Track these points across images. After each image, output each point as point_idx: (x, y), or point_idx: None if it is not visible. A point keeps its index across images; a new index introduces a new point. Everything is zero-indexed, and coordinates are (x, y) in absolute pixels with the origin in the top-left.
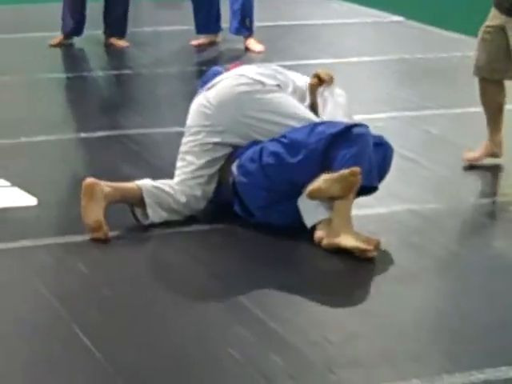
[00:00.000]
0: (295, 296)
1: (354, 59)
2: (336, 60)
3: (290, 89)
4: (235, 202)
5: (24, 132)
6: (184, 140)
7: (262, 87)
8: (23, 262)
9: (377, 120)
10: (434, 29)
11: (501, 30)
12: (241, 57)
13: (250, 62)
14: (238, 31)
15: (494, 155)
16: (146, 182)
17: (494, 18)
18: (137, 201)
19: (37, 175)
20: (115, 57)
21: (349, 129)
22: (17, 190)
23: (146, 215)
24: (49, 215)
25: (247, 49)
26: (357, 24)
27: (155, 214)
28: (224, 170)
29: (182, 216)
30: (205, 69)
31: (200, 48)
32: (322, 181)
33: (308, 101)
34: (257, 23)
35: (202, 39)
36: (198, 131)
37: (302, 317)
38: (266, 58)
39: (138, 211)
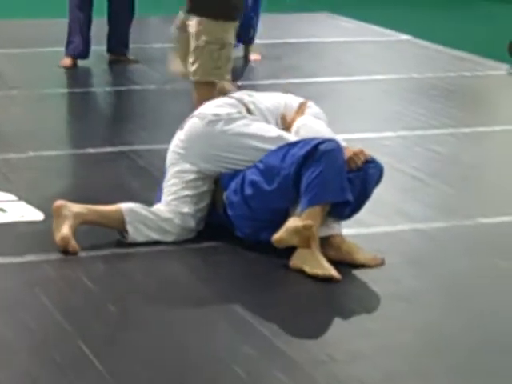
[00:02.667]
0: (300, 314)
1: (363, 77)
2: (344, 78)
3: (260, 110)
4: (232, 226)
5: (32, 146)
6: (166, 177)
7: (218, 119)
8: (28, 276)
9: (385, 139)
10: (441, 48)
11: None
12: (240, 72)
13: (255, 78)
14: (239, 40)
15: None
16: (129, 204)
17: None
18: (119, 222)
19: (44, 190)
20: (121, 73)
21: (316, 147)
22: (23, 205)
23: (127, 234)
24: None
25: (245, 56)
26: (365, 42)
27: (137, 232)
28: (217, 197)
29: (175, 236)
30: None
31: None
32: (284, 230)
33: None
34: (265, 40)
35: None
36: (175, 170)
37: (307, 335)
38: (273, 75)
39: (122, 232)
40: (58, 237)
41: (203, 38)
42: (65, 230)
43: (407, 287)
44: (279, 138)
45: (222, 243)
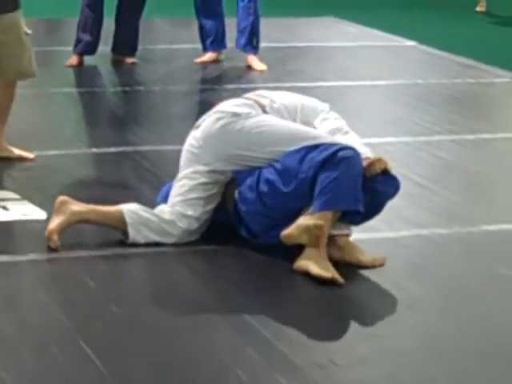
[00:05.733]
0: (303, 318)
1: (367, 83)
2: (349, 83)
3: (276, 110)
4: (240, 225)
5: (36, 146)
6: (177, 177)
7: (237, 118)
8: (31, 275)
9: (388, 144)
10: (447, 54)
11: None
12: (244, 75)
13: (259, 81)
14: (244, 48)
15: None
16: (130, 205)
17: None
18: (119, 223)
19: (47, 189)
20: (127, 73)
21: (335, 153)
22: (27, 204)
23: (127, 235)
24: None
25: (249, 66)
26: (370, 47)
27: (138, 234)
28: (228, 193)
29: (176, 238)
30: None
31: (205, 65)
32: (294, 227)
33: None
34: (269, 44)
35: (205, 57)
36: (187, 172)
37: (310, 339)
38: (277, 78)
39: (123, 233)
40: (46, 229)
41: None
42: (53, 224)
43: (409, 292)
44: (296, 134)
45: (225, 246)
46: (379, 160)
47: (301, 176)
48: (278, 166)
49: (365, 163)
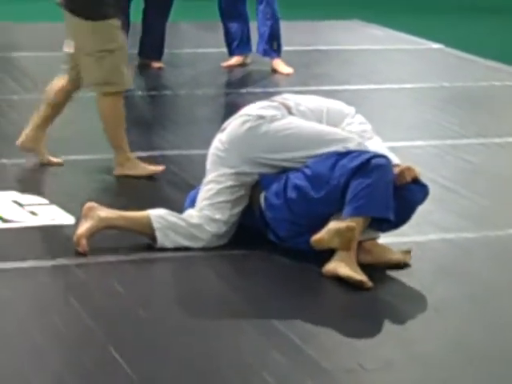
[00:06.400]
0: (330, 322)
1: (394, 86)
2: (375, 86)
3: (302, 112)
4: (267, 229)
5: (63, 150)
6: (204, 181)
7: (263, 121)
8: (59, 279)
9: (415, 147)
10: (473, 57)
11: None
12: (270, 78)
13: (285, 84)
14: (265, 53)
15: None
16: (158, 210)
17: None
18: (147, 229)
19: (75, 194)
20: (154, 78)
21: (368, 160)
22: (55, 209)
23: (156, 240)
24: None
25: (275, 71)
26: (396, 50)
27: (166, 239)
28: (254, 198)
29: (205, 243)
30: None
31: (231, 69)
32: (325, 231)
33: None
34: (294, 47)
35: (231, 61)
36: (213, 175)
37: (338, 343)
38: (303, 82)
39: (151, 238)
40: (75, 235)
41: None
42: (82, 229)
43: (437, 296)
44: (324, 135)
45: (253, 250)
46: (409, 168)
47: (332, 182)
48: (307, 171)
49: (395, 171)
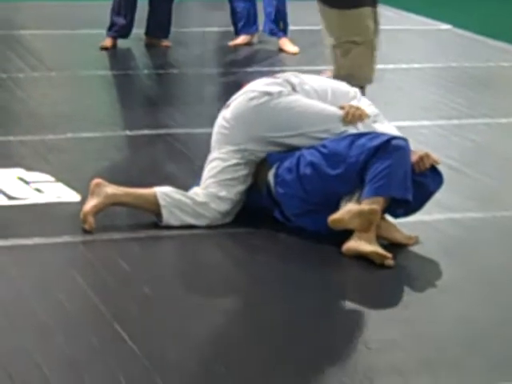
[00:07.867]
0: (334, 301)
1: (402, 66)
2: (383, 66)
3: (306, 91)
4: (274, 207)
5: (70, 128)
6: (209, 158)
7: (270, 97)
8: (65, 257)
9: (422, 127)
10: (481, 38)
11: None
12: (277, 57)
13: (292, 64)
14: (272, 32)
15: None
16: (164, 188)
17: None
18: (153, 206)
19: (81, 172)
20: (160, 56)
21: (389, 141)
22: (61, 186)
23: (161, 217)
24: None
25: (281, 50)
26: (404, 31)
27: (172, 216)
28: (260, 176)
29: (209, 221)
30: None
31: (237, 48)
32: (345, 211)
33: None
34: (301, 27)
35: (238, 40)
36: (218, 153)
37: (341, 322)
38: (310, 61)
39: (157, 215)
40: (82, 211)
41: None
42: (88, 206)
43: (443, 277)
44: (327, 113)
45: (258, 229)
46: (428, 155)
47: (350, 160)
48: (323, 149)
49: (414, 158)
